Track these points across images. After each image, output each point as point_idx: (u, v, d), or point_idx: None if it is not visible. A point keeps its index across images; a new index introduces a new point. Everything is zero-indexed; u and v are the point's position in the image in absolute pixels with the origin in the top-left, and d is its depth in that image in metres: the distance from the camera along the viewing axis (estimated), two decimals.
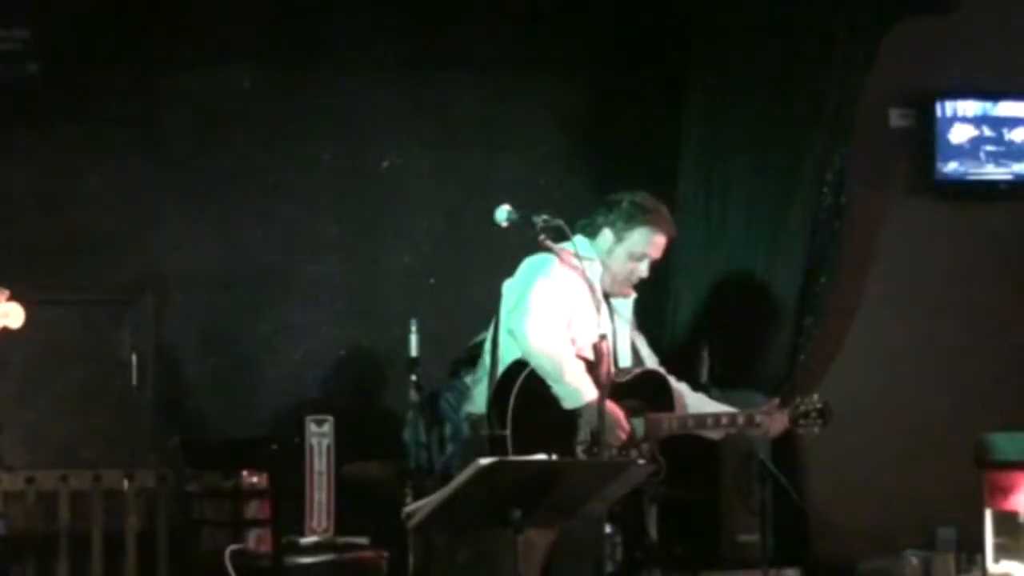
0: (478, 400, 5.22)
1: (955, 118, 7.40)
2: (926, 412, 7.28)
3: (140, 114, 6.73)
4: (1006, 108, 7.44)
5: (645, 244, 5.25)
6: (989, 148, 7.41)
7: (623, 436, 5.05)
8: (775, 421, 5.33)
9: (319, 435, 6.04)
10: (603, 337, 4.83)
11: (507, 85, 7.20)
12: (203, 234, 6.80)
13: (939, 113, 7.38)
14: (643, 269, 5.30)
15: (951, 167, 7.42)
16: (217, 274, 6.79)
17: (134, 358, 6.69)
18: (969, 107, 7.41)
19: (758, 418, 5.32)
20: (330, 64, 6.99)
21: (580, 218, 5.41)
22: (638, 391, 5.17)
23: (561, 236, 5.08)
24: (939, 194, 7.47)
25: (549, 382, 4.99)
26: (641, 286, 7.28)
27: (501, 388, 5.02)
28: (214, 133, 6.81)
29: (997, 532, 6.42)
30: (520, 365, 5.05)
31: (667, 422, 5.19)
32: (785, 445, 7.08)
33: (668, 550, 6.41)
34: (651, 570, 6.21)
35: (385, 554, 5.82)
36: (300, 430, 6.07)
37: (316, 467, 6.01)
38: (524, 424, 4.93)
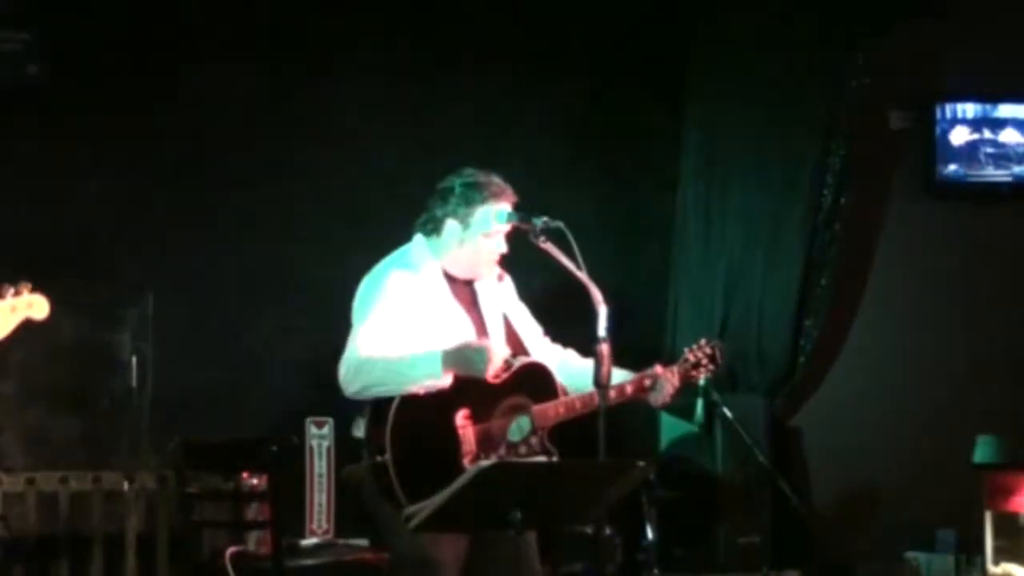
0: (359, 420, 5.09)
1: (955, 120, 7.40)
2: (926, 413, 7.29)
3: (140, 116, 6.73)
4: (1006, 110, 7.45)
5: (495, 219, 5.01)
6: (989, 150, 7.42)
7: (487, 357, 4.80)
8: (666, 381, 5.14)
9: (319, 437, 6.04)
10: (603, 339, 4.81)
11: (507, 85, 7.20)
12: (203, 235, 6.80)
13: (939, 115, 7.39)
14: (501, 244, 5.06)
15: (951, 169, 7.43)
16: (217, 275, 6.79)
17: (134, 360, 6.69)
18: (969, 109, 7.42)
19: (646, 382, 5.13)
20: (330, 66, 7.00)
21: (580, 218, 5.36)
22: (520, 387, 4.97)
23: (561, 237, 5.05)
24: (939, 196, 7.48)
25: (401, 382, 4.77)
26: (641, 287, 7.30)
27: (378, 410, 4.83)
28: (214, 135, 6.81)
29: (997, 534, 6.43)
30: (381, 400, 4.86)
31: (553, 410, 4.98)
32: (785, 447, 7.11)
33: (668, 552, 6.42)
34: (651, 572, 6.21)
35: (385, 556, 5.81)
36: (300, 432, 6.08)
37: (316, 469, 6.02)
38: (405, 448, 4.73)
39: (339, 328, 6.91)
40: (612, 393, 4.94)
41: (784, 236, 7.17)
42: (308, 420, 6.09)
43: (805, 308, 7.17)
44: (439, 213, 5.07)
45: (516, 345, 5.09)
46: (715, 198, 7.35)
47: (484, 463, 4.22)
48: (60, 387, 6.57)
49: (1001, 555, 6.45)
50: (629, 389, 5.14)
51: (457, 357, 4.81)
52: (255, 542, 5.74)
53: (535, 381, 5.04)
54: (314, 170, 6.98)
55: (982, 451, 6.39)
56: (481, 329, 5.06)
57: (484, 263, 5.08)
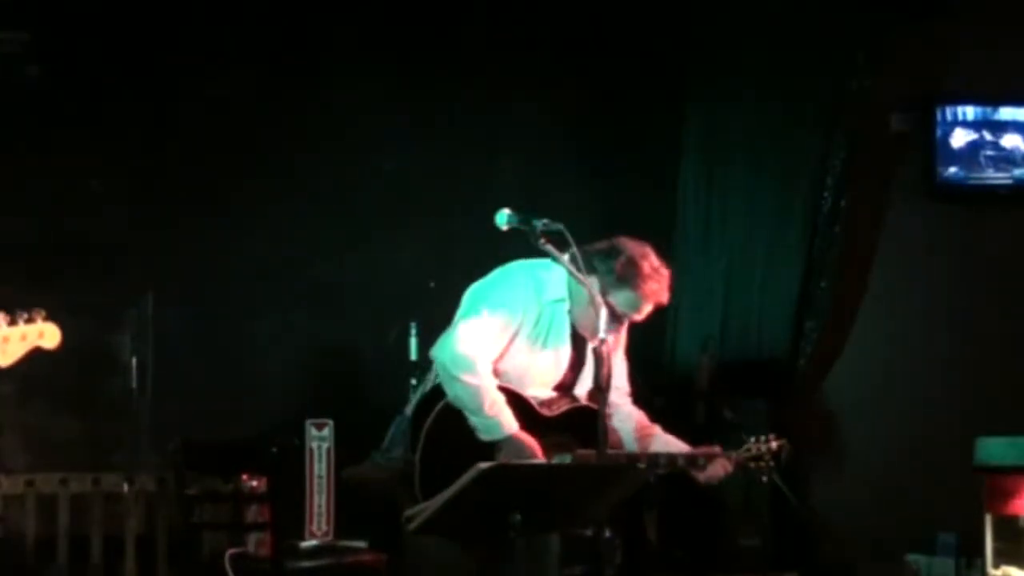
0: (411, 404, 5.10)
1: (955, 122, 7.40)
2: (926, 416, 7.28)
3: (140, 116, 6.72)
4: (1006, 113, 7.45)
5: (629, 308, 4.96)
6: (989, 153, 7.42)
7: None
8: (718, 464, 5.04)
9: (319, 439, 6.04)
10: (603, 341, 4.79)
11: (507, 86, 7.20)
12: (202, 236, 6.79)
13: (939, 117, 7.39)
14: (617, 334, 5.02)
15: (951, 171, 7.42)
16: (217, 276, 6.79)
17: (134, 361, 6.68)
18: (969, 112, 7.42)
19: (700, 461, 5.05)
20: (330, 66, 7.00)
21: (580, 219, 5.35)
22: (568, 426, 4.93)
23: (561, 240, 5.03)
24: (939, 198, 7.48)
25: (467, 413, 4.79)
26: None
27: (421, 409, 4.86)
28: (214, 135, 6.81)
29: (997, 537, 6.42)
30: (431, 398, 4.87)
31: (596, 458, 4.82)
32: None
33: (669, 554, 6.42)
34: (651, 574, 6.21)
35: (384, 557, 5.81)
36: (300, 434, 6.07)
37: (316, 471, 6.01)
38: (435, 451, 4.74)
39: (339, 328, 6.96)
40: (662, 460, 4.96)
41: (784, 237, 7.17)
42: (308, 422, 6.08)
43: (805, 309, 7.17)
44: (596, 263, 4.92)
45: (594, 427, 5.05)
46: (715, 198, 7.35)
47: (484, 465, 4.21)
48: (60, 388, 6.56)
49: (1001, 558, 6.44)
50: (681, 461, 5.07)
51: (515, 452, 4.76)
52: (255, 544, 5.74)
53: (585, 424, 4.97)
54: (314, 170, 6.97)
55: (982, 454, 6.38)
56: (574, 369, 5.02)
57: (592, 332, 4.94)
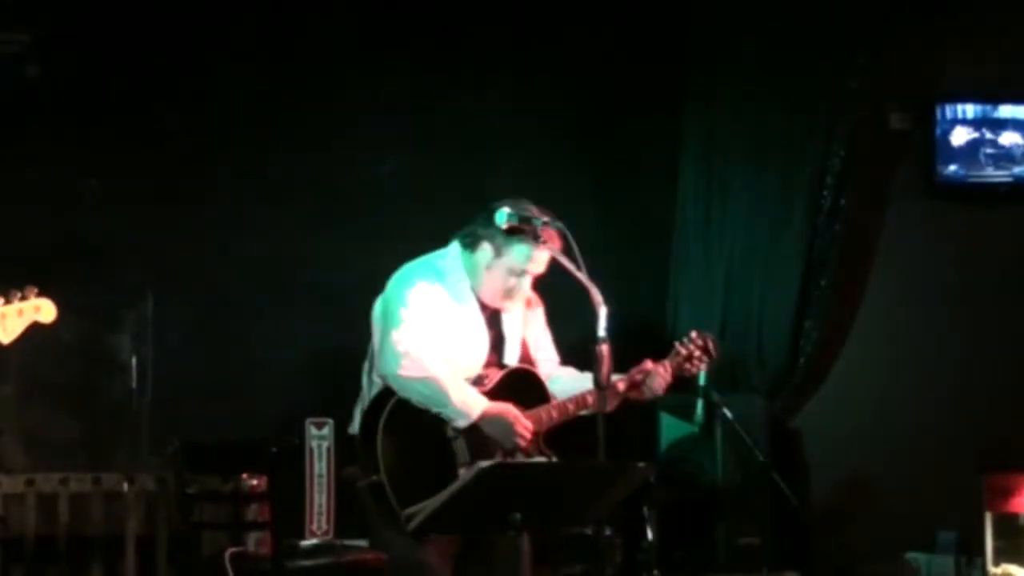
0: (355, 423, 5.13)
1: (955, 121, 7.40)
2: (926, 415, 7.28)
3: (139, 117, 6.72)
4: (1006, 111, 7.44)
5: (525, 260, 5.03)
6: (989, 151, 7.42)
7: (525, 434, 4.90)
8: (658, 375, 5.15)
9: (319, 438, 6.02)
10: (603, 340, 4.81)
11: (507, 86, 7.20)
12: (202, 236, 6.79)
13: (939, 116, 7.39)
14: (523, 285, 5.08)
15: (951, 170, 7.42)
16: (216, 276, 6.78)
17: (133, 360, 6.68)
18: (969, 110, 7.42)
19: (638, 377, 5.15)
20: (331, 66, 6.99)
21: (580, 219, 5.37)
22: (507, 392, 5.01)
23: (562, 239, 5.05)
24: (939, 197, 7.48)
25: (436, 407, 4.85)
26: (640, 288, 7.27)
27: (367, 426, 4.89)
28: (214, 136, 6.81)
29: (997, 535, 6.43)
30: (381, 400, 4.91)
31: (546, 414, 5.02)
32: (785, 448, 7.11)
33: (668, 553, 6.41)
34: (651, 573, 6.21)
35: (385, 557, 5.80)
36: (300, 433, 6.07)
37: (316, 470, 5.99)
38: (399, 463, 4.79)
39: (339, 329, 6.94)
40: (608, 392, 4.92)
41: (784, 236, 7.17)
42: (308, 421, 6.06)
43: (805, 308, 7.17)
44: (480, 231, 5.05)
45: (535, 386, 5.10)
46: (715, 198, 7.34)
47: (484, 464, 4.22)
48: (60, 388, 6.56)
49: (1001, 556, 6.45)
50: (621, 386, 5.14)
51: (496, 423, 4.80)
52: (255, 543, 5.73)
53: (523, 386, 5.03)
54: (314, 171, 6.97)
55: (983, 452, 6.38)
56: (495, 349, 5.05)
57: (503, 296, 5.04)
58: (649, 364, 5.17)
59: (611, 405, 5.01)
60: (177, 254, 6.76)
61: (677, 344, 5.32)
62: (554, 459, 5.01)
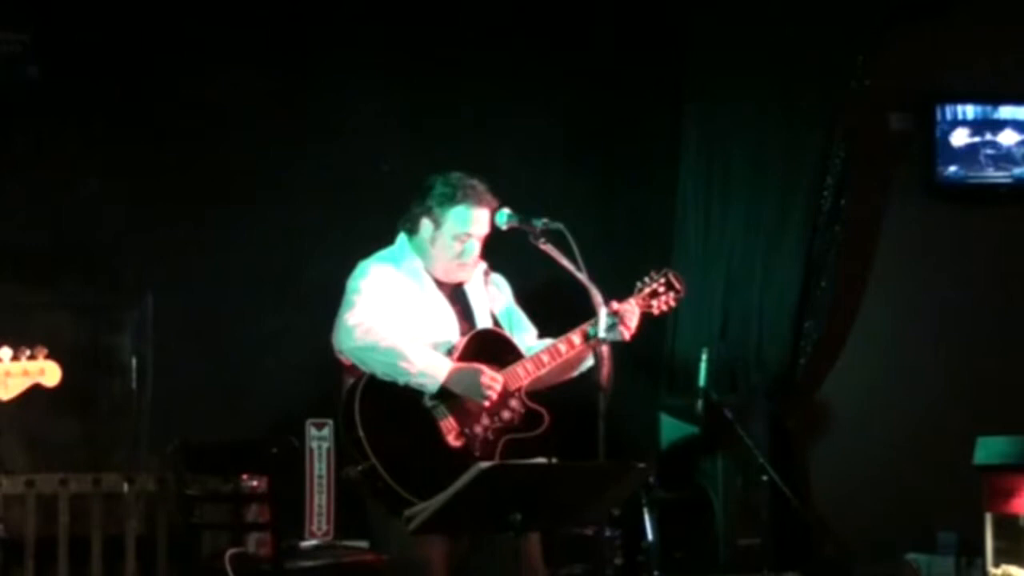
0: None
1: (955, 121, 7.41)
2: (926, 415, 7.29)
3: (140, 117, 6.73)
4: (1006, 112, 7.45)
5: (466, 223, 5.00)
6: (989, 152, 7.42)
7: (494, 384, 4.84)
8: (626, 315, 5.04)
9: (319, 438, 6.03)
10: (603, 341, 4.81)
11: (507, 87, 7.20)
12: (202, 237, 6.79)
13: (939, 117, 7.39)
14: (471, 249, 5.05)
15: (951, 170, 7.43)
16: (216, 277, 6.78)
17: (134, 361, 6.69)
18: (969, 111, 7.42)
19: (610, 321, 4.99)
20: (329, 67, 7.00)
21: (580, 219, 5.36)
22: (477, 355, 4.96)
23: (562, 239, 5.04)
24: (939, 197, 7.49)
25: (400, 379, 4.80)
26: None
27: (347, 416, 4.87)
28: (213, 136, 6.81)
29: (997, 536, 6.42)
30: (352, 390, 4.89)
31: (522, 368, 4.98)
32: (785, 449, 7.11)
33: (668, 554, 6.42)
34: (651, 574, 6.21)
35: (385, 558, 5.80)
36: (300, 433, 6.07)
37: (316, 471, 6.00)
38: (385, 445, 4.75)
39: None
40: (578, 343, 4.97)
41: (784, 237, 7.17)
42: (308, 422, 6.07)
43: (805, 309, 7.18)
44: (416, 211, 5.10)
45: (504, 344, 5.09)
46: (715, 198, 7.35)
47: (484, 464, 4.21)
48: (60, 388, 6.55)
49: (1001, 557, 6.43)
50: (592, 331, 4.99)
51: (462, 379, 4.80)
52: (255, 544, 5.73)
53: (493, 348, 5.01)
54: (313, 171, 6.97)
55: (983, 453, 6.38)
56: (465, 322, 5.05)
57: (456, 266, 5.05)
58: (615, 305, 5.08)
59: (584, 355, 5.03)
60: (177, 254, 6.76)
61: (639, 282, 5.23)
62: (546, 416, 5.00)
